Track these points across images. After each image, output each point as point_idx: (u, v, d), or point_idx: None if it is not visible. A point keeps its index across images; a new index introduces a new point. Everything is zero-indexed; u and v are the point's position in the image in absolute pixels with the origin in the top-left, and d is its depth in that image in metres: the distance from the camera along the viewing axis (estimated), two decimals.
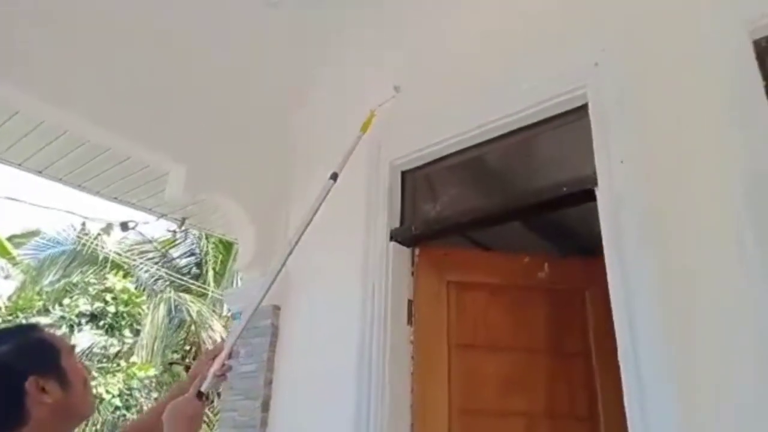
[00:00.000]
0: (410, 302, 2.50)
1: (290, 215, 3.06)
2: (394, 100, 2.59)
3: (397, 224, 2.58)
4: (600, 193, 1.93)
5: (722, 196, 1.66)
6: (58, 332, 9.17)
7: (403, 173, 2.70)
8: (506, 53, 2.41)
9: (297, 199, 3.08)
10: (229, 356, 1.50)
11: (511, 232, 2.95)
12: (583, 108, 2.09)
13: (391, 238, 2.53)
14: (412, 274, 2.57)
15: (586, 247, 2.76)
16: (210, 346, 10.74)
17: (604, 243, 1.87)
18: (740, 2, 1.80)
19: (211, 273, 11.54)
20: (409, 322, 2.47)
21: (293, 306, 2.83)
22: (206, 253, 11.74)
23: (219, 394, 1.50)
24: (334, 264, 2.70)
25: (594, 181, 1.95)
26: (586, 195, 2.00)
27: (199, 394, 1.36)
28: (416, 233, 2.54)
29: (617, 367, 1.73)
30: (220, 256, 11.56)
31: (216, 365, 1.45)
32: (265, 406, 2.68)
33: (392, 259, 2.50)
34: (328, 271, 2.71)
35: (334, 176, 2.13)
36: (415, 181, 2.70)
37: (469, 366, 2.44)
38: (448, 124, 2.48)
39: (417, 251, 2.60)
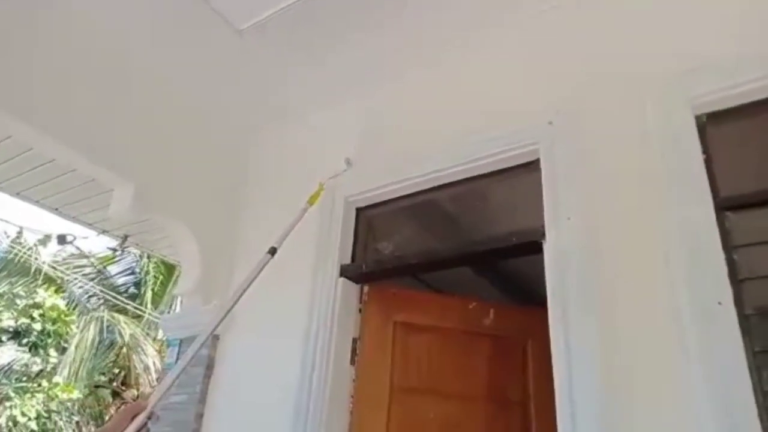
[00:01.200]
0: (355, 341, 2.47)
1: (237, 246, 3.00)
2: (342, 172, 2.63)
3: (348, 260, 2.57)
4: (547, 246, 1.98)
5: (660, 261, 1.73)
6: None
7: (358, 210, 2.71)
8: (464, 104, 2.48)
9: (247, 227, 3.02)
10: (149, 417, 1.41)
11: (461, 276, 2.98)
12: (535, 163, 2.16)
13: (341, 274, 2.51)
14: (360, 311, 2.54)
15: (532, 296, 2.82)
16: (141, 371, 10.29)
17: (548, 295, 1.91)
18: (685, 80, 1.92)
19: (149, 294, 11.11)
20: (352, 361, 2.43)
21: (233, 336, 2.74)
22: (146, 273, 11.31)
23: None
24: (280, 295, 2.64)
25: (542, 234, 2.01)
26: (534, 246, 2.05)
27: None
28: (366, 271, 2.53)
29: (554, 417, 1.75)
30: (161, 278, 11.16)
31: (133, 426, 1.36)
32: None
33: (340, 295, 2.47)
34: (273, 302, 2.64)
35: (273, 251, 2.06)
36: (369, 219, 2.71)
37: (410, 410, 2.41)
38: (405, 166, 2.51)
39: (366, 289, 2.58)
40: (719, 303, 1.56)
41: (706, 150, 1.81)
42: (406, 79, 2.75)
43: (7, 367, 9.67)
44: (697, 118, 1.87)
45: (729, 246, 1.64)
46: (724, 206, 1.71)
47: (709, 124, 1.87)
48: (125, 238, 4.19)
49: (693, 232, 1.69)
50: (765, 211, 1.69)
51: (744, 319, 1.54)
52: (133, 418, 1.38)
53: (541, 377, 2.42)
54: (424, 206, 2.58)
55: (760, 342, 1.52)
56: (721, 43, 1.91)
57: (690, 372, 1.55)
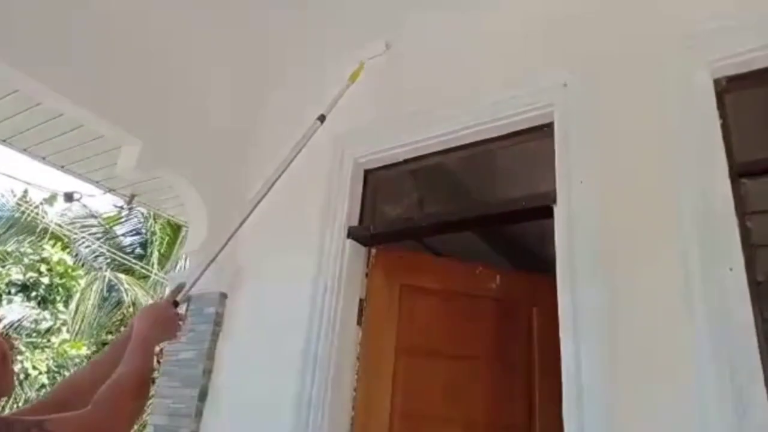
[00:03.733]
0: (362, 302, 2.49)
1: (244, 204, 2.98)
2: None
3: (355, 222, 2.56)
4: (558, 210, 1.97)
5: (673, 226, 1.71)
6: None
7: (366, 172, 2.69)
8: (477, 65, 2.44)
9: (255, 186, 3.01)
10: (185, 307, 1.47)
11: (465, 240, 2.98)
12: (548, 126, 2.13)
13: (349, 236, 2.51)
14: (366, 275, 2.55)
15: (535, 262, 2.82)
16: None
17: (558, 260, 1.90)
18: (706, 42, 1.87)
19: (156, 255, 11.20)
20: (359, 322, 2.45)
21: (241, 295, 2.76)
22: (153, 234, 11.38)
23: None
24: (287, 256, 2.65)
25: (553, 199, 1.99)
26: (544, 211, 2.04)
27: (175, 303, 1.36)
28: (374, 233, 2.52)
29: (557, 382, 1.77)
30: (167, 238, 11.23)
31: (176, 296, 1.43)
32: (203, 396, 2.60)
33: (348, 257, 2.47)
34: (280, 263, 2.66)
35: (322, 118, 2.08)
36: (377, 181, 2.69)
37: (415, 371, 2.44)
38: (415, 128, 2.48)
39: (373, 252, 2.58)
40: (730, 269, 1.55)
41: (723, 114, 1.78)
42: (417, 39, 2.70)
43: (17, 323, 9.83)
44: (716, 81, 1.82)
45: (743, 212, 1.62)
46: (740, 172, 1.69)
47: (728, 88, 1.83)
48: (132, 197, 4.20)
49: (706, 198, 1.66)
50: None
51: (755, 286, 1.53)
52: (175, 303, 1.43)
53: (546, 342, 2.43)
54: (433, 169, 2.56)
55: None
56: (743, 4, 1.85)
57: (698, 337, 1.55)
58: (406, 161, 2.57)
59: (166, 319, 1.32)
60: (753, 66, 1.79)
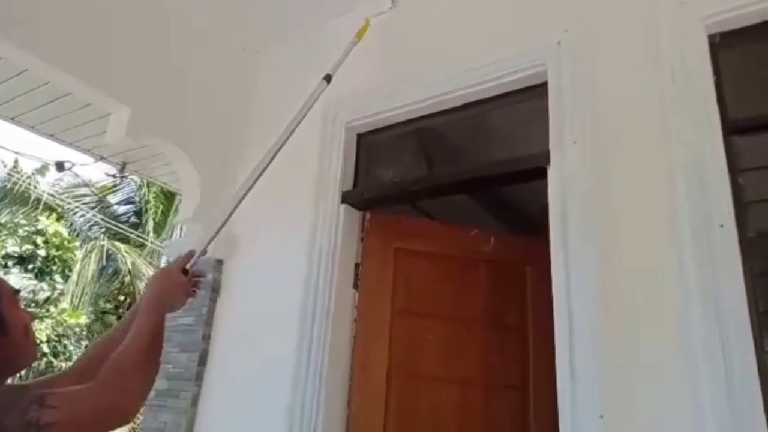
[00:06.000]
0: (357, 266, 2.51)
1: (238, 171, 2.98)
2: (390, 14, 2.59)
3: (349, 187, 2.56)
4: (551, 171, 1.97)
5: (665, 185, 1.72)
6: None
7: (359, 136, 2.67)
8: (469, 26, 2.40)
9: (249, 151, 2.99)
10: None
11: (459, 205, 2.99)
12: (542, 86, 2.11)
13: (343, 201, 2.51)
14: (361, 239, 2.56)
15: (529, 225, 2.83)
16: None
17: (551, 220, 1.91)
18: None
19: (151, 223, 11.18)
20: (355, 285, 2.47)
21: (237, 261, 2.78)
22: (147, 202, 11.34)
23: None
24: (282, 222, 2.65)
25: (547, 159, 1.99)
26: (538, 172, 2.03)
27: (185, 271, 1.32)
28: (368, 197, 2.53)
29: (551, 342, 1.80)
30: (161, 207, 11.20)
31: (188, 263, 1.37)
32: (202, 360, 2.65)
33: (342, 221, 2.48)
34: (275, 229, 2.66)
35: (328, 78, 2.02)
36: (369, 145, 2.67)
37: (411, 332, 2.48)
38: (407, 91, 2.45)
39: (367, 216, 2.59)
40: (721, 225, 1.56)
41: (717, 71, 1.76)
42: (408, 1, 2.64)
43: None
44: (710, 37, 1.80)
45: (735, 169, 1.63)
46: (732, 129, 1.68)
47: (722, 44, 1.81)
48: (124, 165, 4.16)
49: (699, 155, 1.66)
50: None
51: (746, 242, 1.55)
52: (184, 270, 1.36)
53: (539, 303, 2.47)
54: (426, 132, 2.55)
55: (760, 264, 1.54)
56: None
57: (687, 293, 1.57)
58: (399, 124, 2.55)
59: (177, 286, 1.29)
60: (747, 22, 1.77)
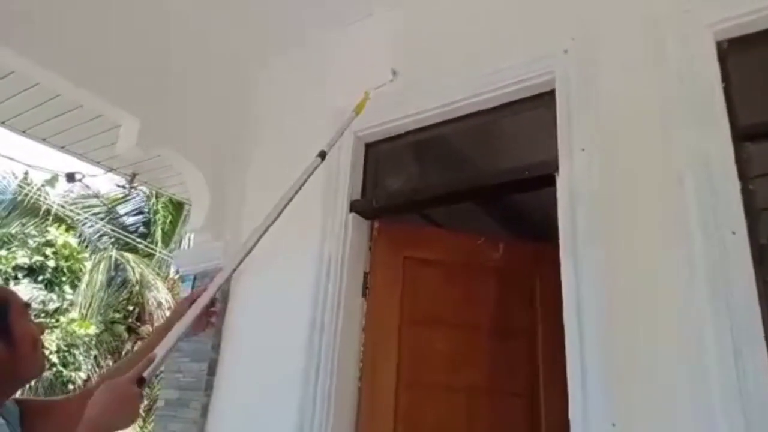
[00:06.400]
0: (366, 275, 2.51)
1: (246, 180, 3.00)
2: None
3: (358, 196, 2.56)
4: (560, 178, 1.96)
5: (675, 191, 1.71)
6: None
7: (367, 145, 2.68)
8: (477, 35, 2.41)
9: (257, 161, 3.01)
10: (212, 303, 1.35)
11: (467, 213, 2.99)
12: (549, 94, 2.11)
13: (351, 210, 2.51)
14: (370, 248, 2.56)
15: (538, 232, 2.82)
16: (154, 308, 10.57)
17: (560, 228, 1.91)
18: (707, 5, 1.84)
19: (159, 233, 11.25)
20: (364, 294, 2.47)
21: (246, 270, 2.78)
22: (156, 213, 11.42)
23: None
24: (291, 231, 2.65)
25: (555, 167, 1.99)
26: (547, 180, 2.03)
27: (141, 380, 1.08)
28: (377, 206, 2.53)
29: (560, 349, 1.79)
30: (170, 217, 11.27)
31: (194, 311, 1.27)
32: (212, 370, 2.65)
33: (351, 230, 2.48)
34: (284, 238, 2.65)
35: (323, 155, 1.96)
36: (378, 155, 2.68)
37: (419, 341, 2.47)
38: (415, 100, 2.46)
39: (376, 225, 2.59)
40: (733, 233, 1.56)
41: (726, 78, 1.76)
42: (415, 10, 2.66)
43: None
44: (718, 44, 1.80)
45: (746, 176, 1.62)
46: (742, 135, 1.68)
47: (730, 50, 1.80)
48: (134, 176, 4.20)
49: (709, 162, 1.66)
50: None
51: (757, 249, 1.54)
52: (191, 304, 1.31)
53: (548, 310, 2.46)
54: (434, 141, 2.55)
55: None
56: None
57: (699, 302, 1.56)
58: (407, 133, 2.56)
59: (124, 400, 1.05)
60: (755, 28, 1.77)
